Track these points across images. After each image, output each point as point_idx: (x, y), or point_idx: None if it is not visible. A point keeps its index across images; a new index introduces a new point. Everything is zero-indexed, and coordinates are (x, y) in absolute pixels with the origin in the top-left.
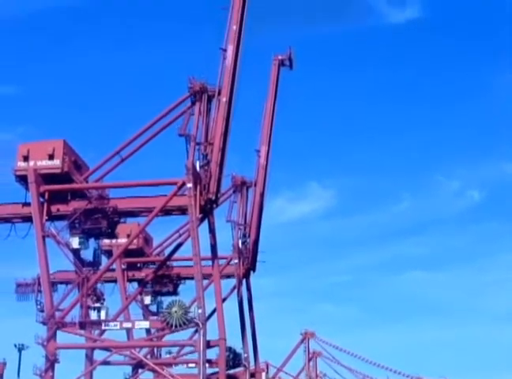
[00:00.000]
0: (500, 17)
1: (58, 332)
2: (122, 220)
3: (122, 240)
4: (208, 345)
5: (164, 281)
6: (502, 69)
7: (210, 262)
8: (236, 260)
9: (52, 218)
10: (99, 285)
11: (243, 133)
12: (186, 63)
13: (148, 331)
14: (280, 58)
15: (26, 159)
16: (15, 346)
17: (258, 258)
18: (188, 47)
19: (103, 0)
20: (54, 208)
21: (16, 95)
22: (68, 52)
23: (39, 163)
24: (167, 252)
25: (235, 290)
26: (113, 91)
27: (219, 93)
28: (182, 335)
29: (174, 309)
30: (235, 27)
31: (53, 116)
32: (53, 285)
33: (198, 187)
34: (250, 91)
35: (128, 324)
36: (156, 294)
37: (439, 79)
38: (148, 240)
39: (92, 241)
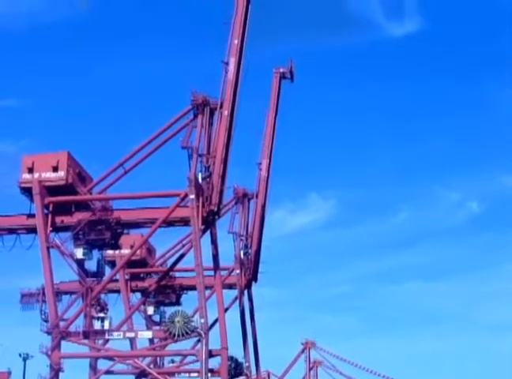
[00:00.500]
0: (501, 30)
1: (63, 342)
2: (125, 231)
3: (126, 251)
4: (210, 354)
5: (167, 291)
6: (503, 81)
7: (212, 272)
8: (238, 271)
9: (56, 229)
10: (102, 295)
11: (245, 146)
12: (188, 76)
13: (151, 340)
14: (281, 71)
15: (31, 171)
16: (20, 355)
17: (260, 269)
18: (190, 61)
19: (107, 14)
20: (58, 220)
21: (18, 107)
22: (71, 65)
23: (43, 175)
24: (169, 262)
25: (237, 301)
26: (116, 104)
27: (221, 106)
28: (185, 345)
29: (176, 319)
30: (236, 41)
31: (56, 129)
32: (57, 295)
33: (201, 199)
34: (252, 104)
35: (131, 334)
36: (158, 305)
37: (439, 91)
38: (151, 251)
39: (95, 252)
